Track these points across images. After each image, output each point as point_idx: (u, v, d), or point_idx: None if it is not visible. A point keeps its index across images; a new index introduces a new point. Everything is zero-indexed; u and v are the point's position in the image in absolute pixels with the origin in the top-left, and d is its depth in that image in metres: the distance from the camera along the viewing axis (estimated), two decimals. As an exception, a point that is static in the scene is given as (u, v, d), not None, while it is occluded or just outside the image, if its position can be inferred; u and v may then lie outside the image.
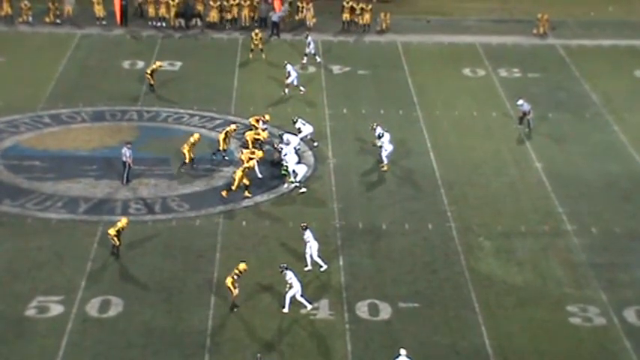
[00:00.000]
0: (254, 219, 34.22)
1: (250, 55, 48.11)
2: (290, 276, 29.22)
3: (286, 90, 44.00)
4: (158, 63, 44.92)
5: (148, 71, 44.09)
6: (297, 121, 39.31)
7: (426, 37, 52.64)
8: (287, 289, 29.15)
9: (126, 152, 36.15)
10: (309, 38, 48.31)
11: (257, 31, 48.89)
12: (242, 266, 29.24)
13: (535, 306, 29.85)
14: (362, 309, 29.37)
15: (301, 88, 44.30)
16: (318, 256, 31.16)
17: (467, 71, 48.22)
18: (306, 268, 31.02)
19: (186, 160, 37.10)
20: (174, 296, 29.81)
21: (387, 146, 37.61)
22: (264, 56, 47.97)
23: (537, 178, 37.71)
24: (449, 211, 34.97)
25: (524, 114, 41.07)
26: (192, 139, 37.42)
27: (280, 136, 38.08)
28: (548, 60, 49.92)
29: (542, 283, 31.04)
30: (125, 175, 36.17)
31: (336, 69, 47.95)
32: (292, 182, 36.13)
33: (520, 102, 41.24)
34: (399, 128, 40.75)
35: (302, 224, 31.82)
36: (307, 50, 48.06)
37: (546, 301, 30.13)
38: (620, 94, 45.47)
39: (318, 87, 45.68)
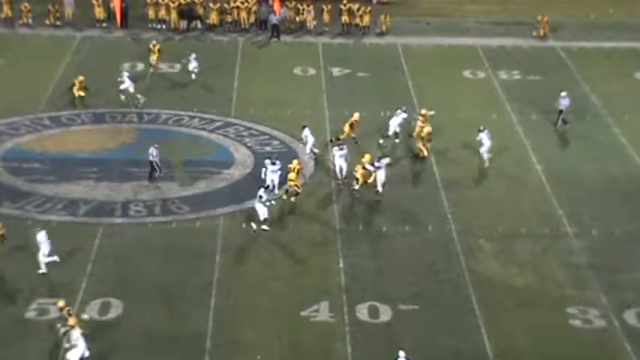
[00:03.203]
0: (254, 221, 34.14)
1: (151, 70, 46.11)
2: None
3: (122, 96, 42.85)
4: (80, 78, 43.41)
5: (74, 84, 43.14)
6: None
7: (426, 39, 52.63)
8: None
9: (153, 152, 36.16)
10: (193, 56, 45.77)
11: (155, 42, 46.92)
12: (60, 303, 27.64)
13: (535, 308, 29.82)
14: (362, 311, 29.35)
15: (138, 96, 42.90)
16: (49, 255, 30.53)
17: (467, 73, 48.22)
18: (39, 271, 30.50)
19: (348, 137, 38.36)
20: (175, 298, 29.79)
21: (485, 141, 37.99)
22: (156, 66, 46.03)
23: (538, 180, 37.70)
24: (449, 213, 34.96)
25: (562, 110, 41.30)
26: (353, 119, 38.79)
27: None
28: (549, 62, 49.91)
29: (542, 285, 31.02)
30: (157, 175, 36.21)
31: (336, 71, 47.93)
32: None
33: (564, 94, 41.46)
34: (400, 129, 40.68)
35: (38, 227, 31.48)
36: (190, 67, 45.73)
37: (546, 303, 30.11)
38: (621, 96, 45.44)
39: (318, 89, 45.67)
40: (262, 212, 33.29)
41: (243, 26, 53.04)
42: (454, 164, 38.61)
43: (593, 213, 35.29)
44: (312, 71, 47.84)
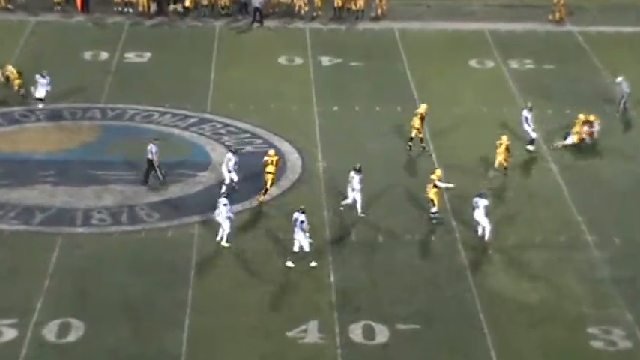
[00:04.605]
0: (232, 230, 34.09)
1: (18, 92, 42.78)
2: None
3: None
4: (9, 67, 42.66)
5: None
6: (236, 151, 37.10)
7: (427, 24, 52.82)
8: None
9: (152, 149, 36.23)
10: (47, 79, 41.96)
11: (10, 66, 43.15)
12: None
13: (551, 327, 29.85)
14: (356, 331, 29.32)
15: None
16: None
17: (473, 62, 48.38)
18: None
19: (417, 136, 38.59)
20: (143, 317, 29.73)
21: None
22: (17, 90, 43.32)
23: (553, 182, 37.80)
24: (454, 220, 34.97)
25: (623, 96, 42.50)
26: (420, 110, 38.96)
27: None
28: (565, 49, 50.16)
29: (558, 300, 31.06)
30: (158, 173, 36.24)
31: (325, 60, 48.03)
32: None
33: (619, 79, 42.57)
34: (397, 126, 40.76)
35: None
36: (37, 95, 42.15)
37: (563, 321, 30.14)
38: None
39: (305, 81, 45.74)
40: (302, 244, 31.73)
41: (221, 10, 53.00)
42: (459, 166, 38.59)
43: (615, 219, 35.39)
44: (298, 60, 47.90)
